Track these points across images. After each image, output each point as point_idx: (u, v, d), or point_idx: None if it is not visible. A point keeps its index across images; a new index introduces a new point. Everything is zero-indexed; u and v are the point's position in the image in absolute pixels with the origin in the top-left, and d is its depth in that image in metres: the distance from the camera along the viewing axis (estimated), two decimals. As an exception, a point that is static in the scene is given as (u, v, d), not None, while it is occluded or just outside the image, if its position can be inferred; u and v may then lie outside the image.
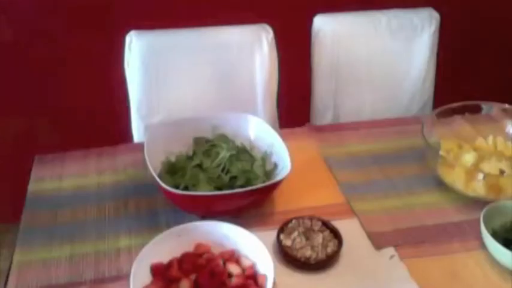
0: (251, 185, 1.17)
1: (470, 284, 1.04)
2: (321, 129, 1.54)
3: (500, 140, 1.37)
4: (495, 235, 1.08)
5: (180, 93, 1.62)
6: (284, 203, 1.23)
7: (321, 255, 1.06)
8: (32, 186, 1.29)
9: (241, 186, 1.17)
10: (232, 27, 1.64)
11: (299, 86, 1.82)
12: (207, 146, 1.30)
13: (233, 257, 1.03)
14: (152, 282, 0.97)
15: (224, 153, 1.26)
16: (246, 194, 1.13)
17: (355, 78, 1.77)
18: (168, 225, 1.13)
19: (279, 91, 1.69)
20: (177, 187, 1.16)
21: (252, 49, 1.62)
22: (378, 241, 1.13)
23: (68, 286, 1.03)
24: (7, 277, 1.05)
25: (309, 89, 1.78)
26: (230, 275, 0.99)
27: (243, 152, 1.29)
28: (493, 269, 1.07)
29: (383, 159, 1.40)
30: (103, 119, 2.13)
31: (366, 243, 1.13)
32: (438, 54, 1.79)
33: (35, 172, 1.34)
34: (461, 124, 1.45)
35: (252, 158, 1.28)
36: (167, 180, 1.17)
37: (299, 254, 1.06)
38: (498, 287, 1.04)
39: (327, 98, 1.78)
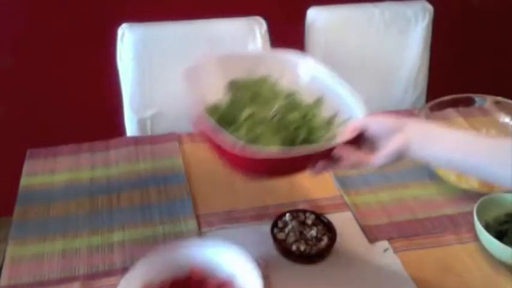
0: (313, 136, 0.98)
1: (463, 277, 1.04)
2: (314, 122, 1.53)
3: (493, 132, 1.37)
4: (488, 228, 1.09)
5: (173, 86, 1.60)
6: (278, 197, 1.22)
7: (315, 249, 1.06)
8: (24, 180, 1.28)
9: (304, 139, 0.98)
10: (225, 19, 1.63)
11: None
12: (251, 93, 1.07)
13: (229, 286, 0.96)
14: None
15: (280, 101, 1.04)
16: (331, 149, 0.90)
17: (348, 71, 1.75)
18: (162, 219, 1.14)
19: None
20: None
21: (245, 42, 1.61)
22: (371, 234, 1.13)
23: (61, 281, 1.02)
24: (0, 272, 1.04)
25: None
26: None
27: (294, 98, 1.09)
28: (486, 261, 1.07)
29: (376, 152, 1.39)
30: (96, 113, 2.11)
31: (359, 237, 1.13)
32: (431, 47, 1.79)
33: (27, 166, 1.33)
34: (454, 117, 1.46)
35: (304, 104, 1.07)
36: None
37: (293, 248, 1.06)
38: (491, 279, 1.04)
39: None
